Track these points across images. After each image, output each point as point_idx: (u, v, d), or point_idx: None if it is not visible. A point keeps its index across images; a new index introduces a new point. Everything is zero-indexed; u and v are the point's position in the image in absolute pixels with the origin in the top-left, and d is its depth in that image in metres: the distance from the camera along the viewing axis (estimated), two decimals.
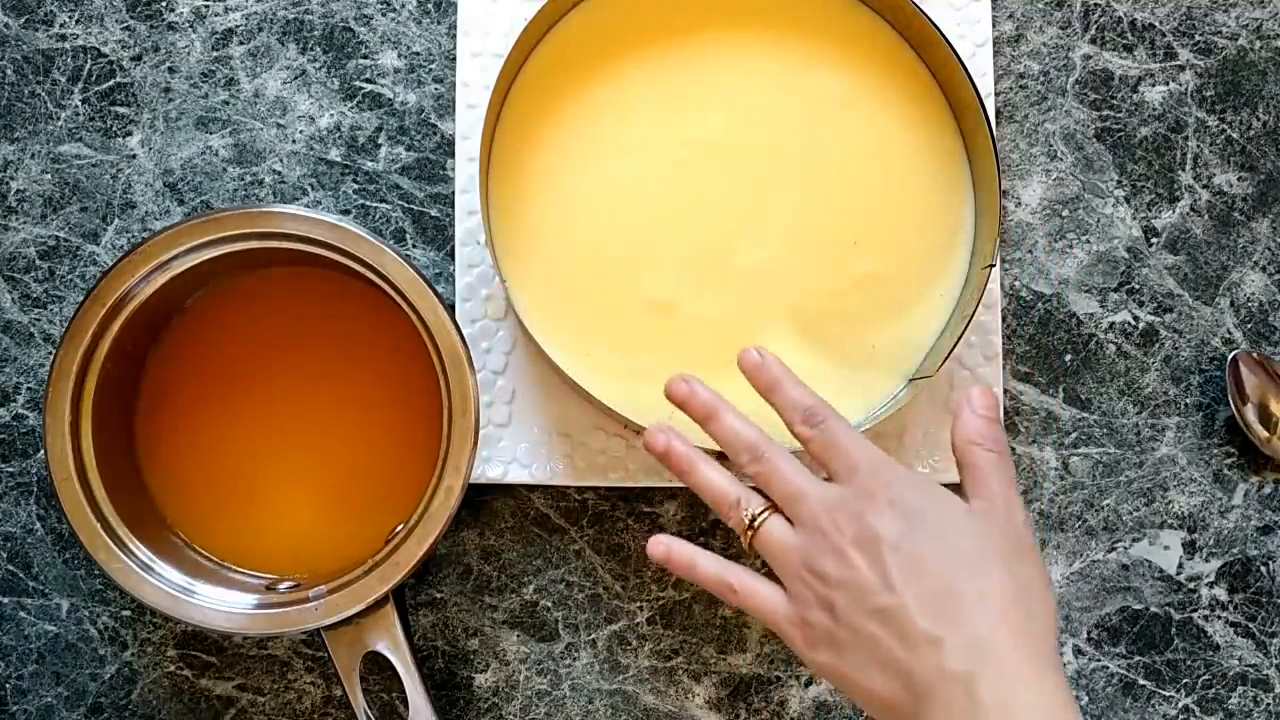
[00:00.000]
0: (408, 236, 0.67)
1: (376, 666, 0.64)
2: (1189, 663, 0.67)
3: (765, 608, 0.53)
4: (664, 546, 0.56)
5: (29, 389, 0.67)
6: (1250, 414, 0.66)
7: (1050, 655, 0.49)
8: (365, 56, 0.68)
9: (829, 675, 0.51)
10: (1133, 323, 0.68)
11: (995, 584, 0.49)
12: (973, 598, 0.48)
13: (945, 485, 0.53)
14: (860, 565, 0.50)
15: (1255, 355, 0.67)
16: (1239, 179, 0.69)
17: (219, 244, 0.59)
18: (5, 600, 0.66)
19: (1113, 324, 0.68)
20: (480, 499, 0.67)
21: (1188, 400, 0.68)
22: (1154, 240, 0.68)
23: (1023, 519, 0.52)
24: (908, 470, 0.53)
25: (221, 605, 0.59)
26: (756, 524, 0.54)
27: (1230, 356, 0.67)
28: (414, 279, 0.58)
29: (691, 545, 0.56)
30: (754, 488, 0.55)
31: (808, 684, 0.66)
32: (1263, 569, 0.67)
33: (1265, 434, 0.67)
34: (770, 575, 0.54)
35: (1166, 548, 0.67)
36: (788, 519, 0.53)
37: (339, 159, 0.68)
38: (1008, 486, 0.52)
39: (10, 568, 0.66)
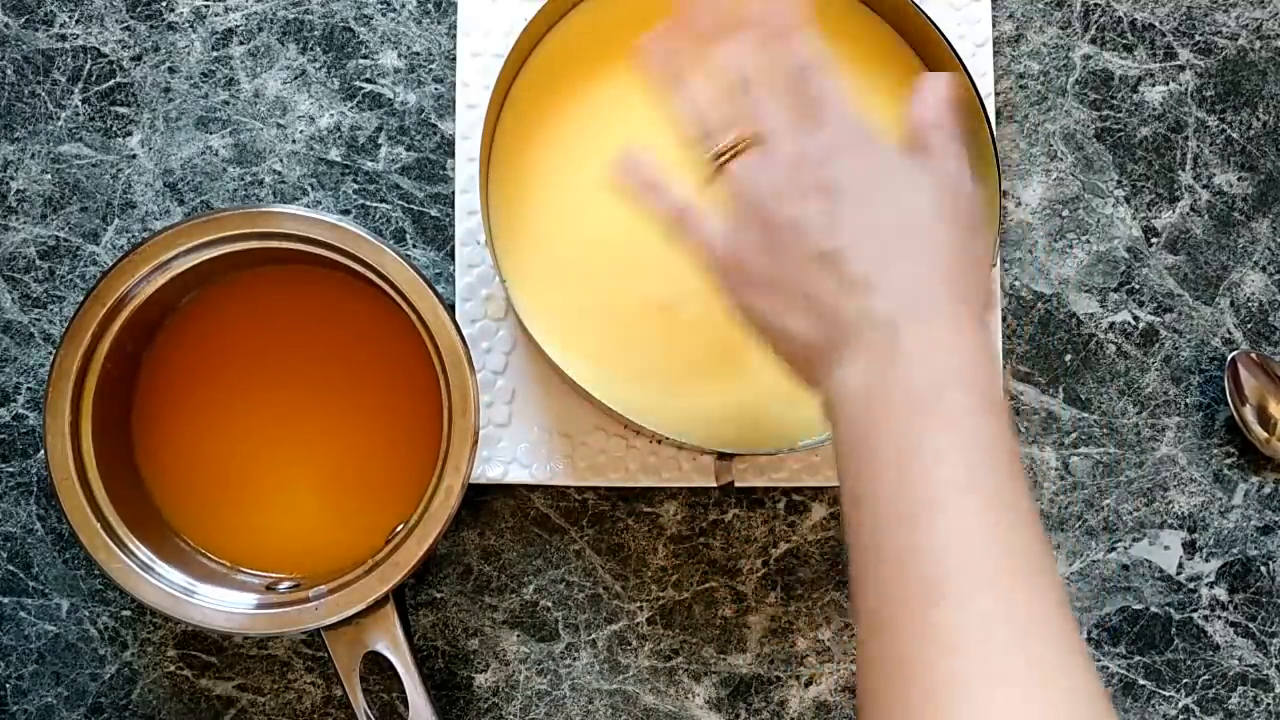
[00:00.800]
0: (408, 236, 0.67)
1: (376, 666, 0.64)
2: (1189, 663, 0.67)
3: (707, 242, 0.52)
4: (632, 161, 0.55)
5: (29, 389, 0.67)
6: (1249, 415, 0.66)
7: (977, 322, 0.48)
8: (365, 56, 0.68)
9: (753, 317, 0.51)
10: (1133, 323, 0.68)
11: (944, 245, 0.48)
12: (918, 252, 0.48)
13: None
14: (813, 209, 0.49)
15: (1254, 356, 0.67)
16: (1239, 179, 0.69)
17: (219, 244, 0.59)
18: (5, 600, 0.66)
19: (1113, 324, 0.68)
20: (480, 499, 0.67)
21: (1188, 400, 0.68)
22: (1154, 240, 0.68)
23: (975, 196, 0.51)
24: (882, 138, 0.51)
25: (221, 605, 0.59)
26: (736, 149, 0.52)
27: (1229, 358, 0.67)
28: (414, 279, 0.58)
29: (657, 173, 0.55)
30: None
31: (808, 684, 0.66)
32: (1263, 569, 0.67)
33: (1264, 435, 0.67)
34: None
35: (1166, 548, 0.67)
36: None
37: (339, 159, 0.68)
38: (964, 163, 0.51)
39: (10, 568, 0.66)
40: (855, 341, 0.47)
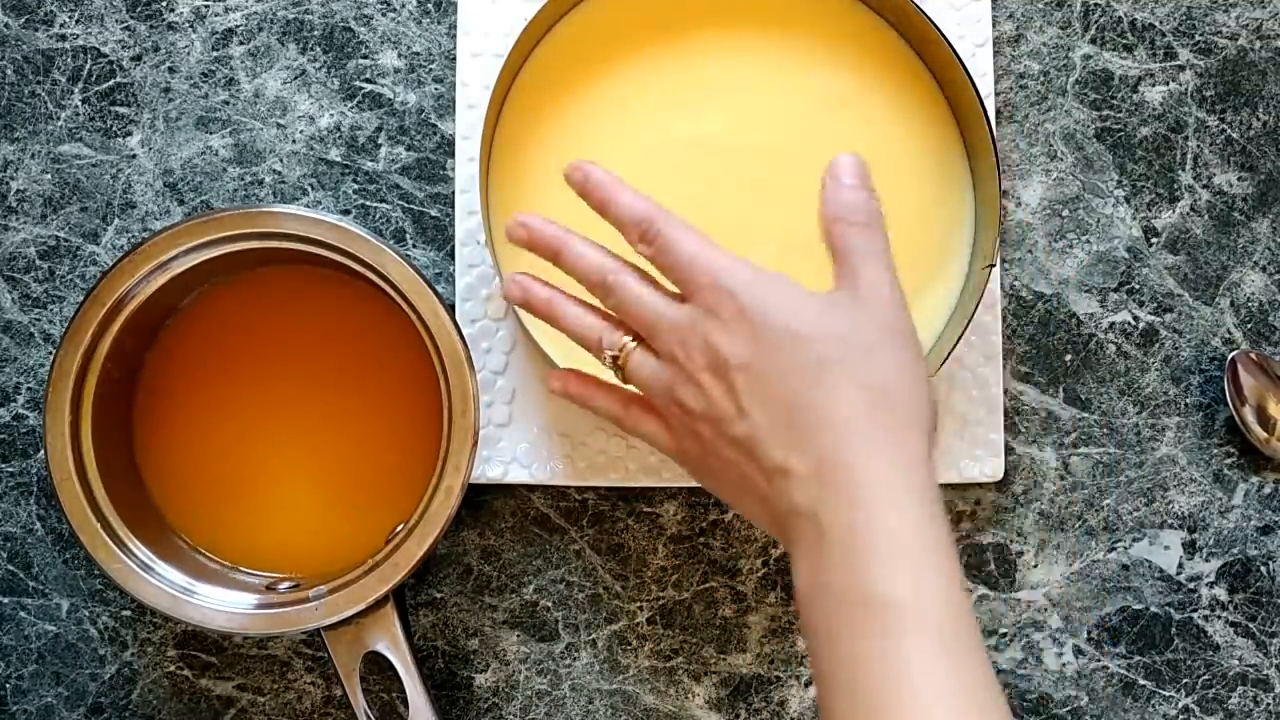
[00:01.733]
0: (408, 236, 0.67)
1: (376, 666, 0.64)
2: (1189, 663, 0.67)
3: (652, 439, 0.53)
4: (560, 381, 0.56)
5: (29, 389, 0.67)
6: (1249, 415, 0.66)
7: (914, 452, 0.46)
8: (365, 56, 0.68)
9: (720, 499, 0.52)
10: (1133, 323, 0.68)
11: (845, 392, 0.47)
12: (819, 413, 0.46)
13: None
14: (715, 393, 0.48)
15: (1254, 356, 0.67)
16: (1239, 179, 0.69)
17: (219, 244, 0.59)
18: (5, 600, 0.66)
19: (1113, 324, 0.68)
20: (480, 499, 0.67)
21: (1188, 400, 0.68)
22: (1154, 240, 0.68)
23: (893, 301, 0.48)
24: (755, 272, 0.49)
25: (221, 605, 0.59)
26: (620, 360, 0.52)
27: (1229, 358, 0.67)
28: (414, 279, 0.58)
29: (593, 377, 0.55)
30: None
31: (808, 684, 0.66)
32: (1263, 569, 0.67)
33: (1264, 434, 0.67)
34: None
35: (1166, 548, 0.67)
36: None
37: (339, 159, 0.68)
38: (878, 268, 0.49)
39: (10, 568, 0.66)
40: (793, 534, 0.47)
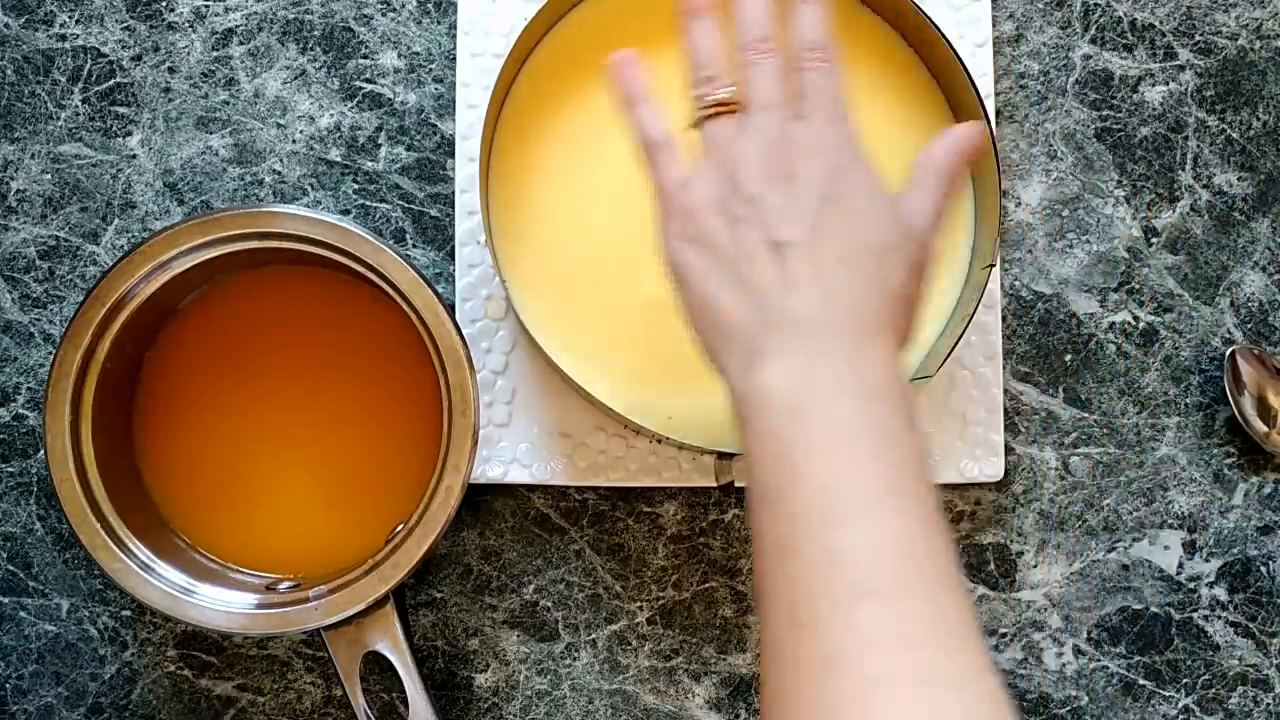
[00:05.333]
0: (408, 236, 0.67)
1: (376, 666, 0.64)
2: (1189, 663, 0.67)
3: (670, 178, 0.52)
4: (627, 69, 0.55)
5: (29, 389, 0.67)
6: (1248, 406, 0.66)
7: (897, 352, 0.49)
8: (365, 56, 0.68)
9: (682, 272, 0.50)
10: (1133, 323, 0.68)
11: (890, 274, 0.49)
12: (864, 273, 0.48)
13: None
14: (780, 196, 0.49)
15: (1254, 350, 0.67)
16: (1239, 179, 0.69)
17: (219, 244, 0.59)
18: (5, 600, 0.66)
19: (1113, 324, 0.68)
20: (480, 499, 0.67)
21: (1188, 400, 0.68)
22: (1154, 240, 0.68)
23: (936, 245, 0.51)
24: (863, 155, 0.51)
25: (221, 605, 0.59)
26: (717, 111, 0.52)
27: (1228, 353, 0.67)
28: (414, 279, 0.58)
29: (646, 88, 0.54)
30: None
31: None
32: (1263, 569, 0.67)
33: (1264, 429, 0.67)
34: None
35: (1166, 548, 0.67)
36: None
37: (339, 159, 0.68)
38: (940, 213, 0.51)
39: (10, 568, 0.66)
40: (781, 337, 0.47)
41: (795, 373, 0.47)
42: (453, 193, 0.67)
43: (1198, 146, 0.69)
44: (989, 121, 0.62)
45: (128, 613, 0.66)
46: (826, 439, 0.45)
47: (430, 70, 0.68)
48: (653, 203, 0.52)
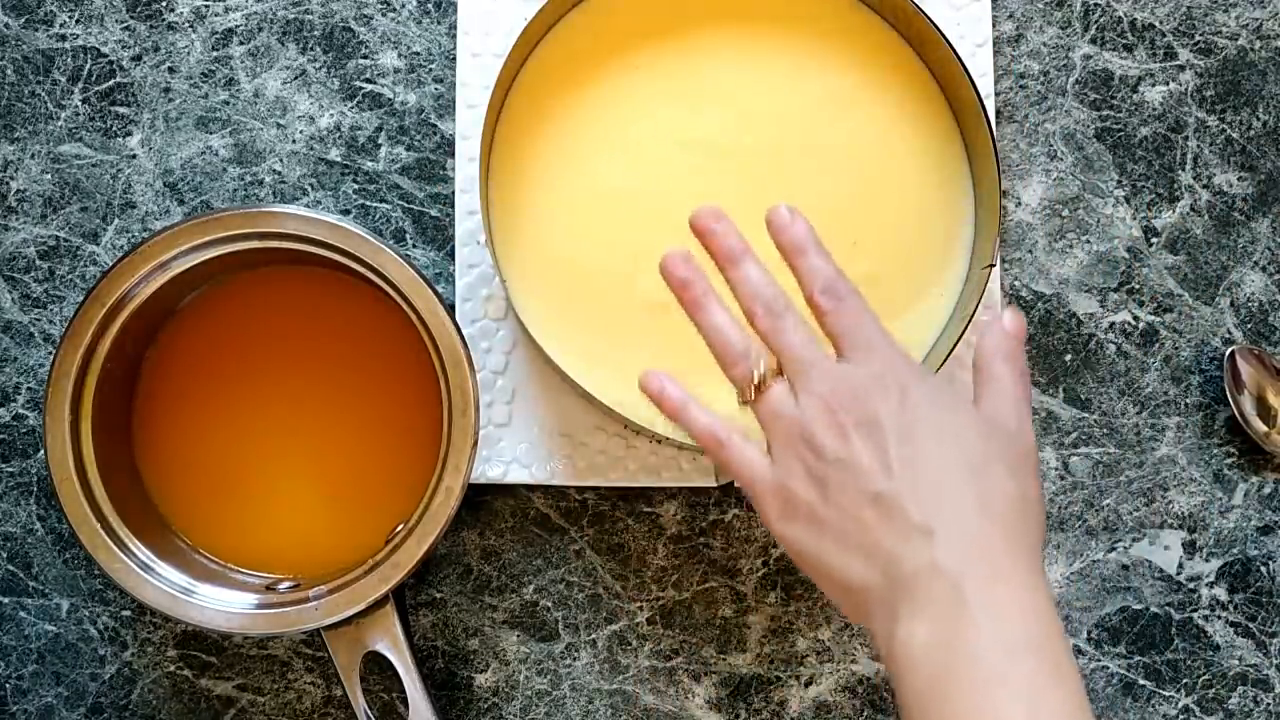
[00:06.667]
0: (408, 236, 0.67)
1: (376, 666, 0.64)
2: (1189, 663, 0.67)
3: (749, 469, 0.51)
4: (659, 382, 0.54)
5: (29, 389, 0.67)
6: (1247, 405, 0.66)
7: (1039, 566, 0.48)
8: (365, 56, 0.68)
9: (798, 550, 0.50)
10: (1133, 323, 0.68)
11: (997, 487, 0.48)
12: (972, 497, 0.47)
13: None
14: (861, 447, 0.48)
15: (1254, 350, 0.67)
16: (1239, 179, 0.69)
17: (219, 244, 0.59)
18: (5, 600, 0.66)
19: (1113, 324, 0.68)
20: (480, 499, 0.67)
21: (1188, 400, 0.68)
22: (1154, 240, 0.68)
23: (1031, 437, 0.51)
24: (923, 367, 0.51)
25: (221, 605, 0.59)
26: (762, 384, 0.51)
27: (1228, 352, 0.67)
28: (414, 279, 0.58)
29: (685, 391, 0.54)
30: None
31: (808, 684, 0.66)
32: (1263, 569, 0.67)
33: (1264, 428, 0.67)
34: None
35: (1166, 548, 0.67)
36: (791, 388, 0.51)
37: (339, 159, 0.68)
38: (1023, 403, 0.51)
39: (10, 568, 0.66)
40: (917, 594, 0.47)
41: (936, 632, 0.46)
42: (453, 193, 0.67)
43: (1198, 146, 0.69)
44: (989, 121, 0.62)
45: (128, 613, 0.66)
46: (970, 707, 0.45)
47: (430, 70, 0.68)
48: (744, 489, 0.52)
